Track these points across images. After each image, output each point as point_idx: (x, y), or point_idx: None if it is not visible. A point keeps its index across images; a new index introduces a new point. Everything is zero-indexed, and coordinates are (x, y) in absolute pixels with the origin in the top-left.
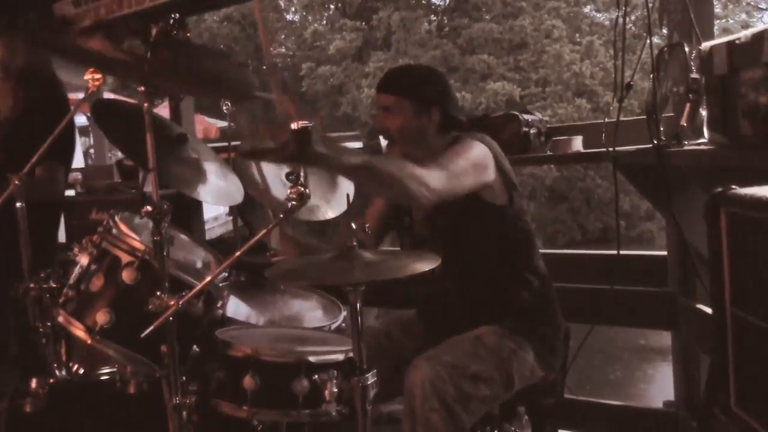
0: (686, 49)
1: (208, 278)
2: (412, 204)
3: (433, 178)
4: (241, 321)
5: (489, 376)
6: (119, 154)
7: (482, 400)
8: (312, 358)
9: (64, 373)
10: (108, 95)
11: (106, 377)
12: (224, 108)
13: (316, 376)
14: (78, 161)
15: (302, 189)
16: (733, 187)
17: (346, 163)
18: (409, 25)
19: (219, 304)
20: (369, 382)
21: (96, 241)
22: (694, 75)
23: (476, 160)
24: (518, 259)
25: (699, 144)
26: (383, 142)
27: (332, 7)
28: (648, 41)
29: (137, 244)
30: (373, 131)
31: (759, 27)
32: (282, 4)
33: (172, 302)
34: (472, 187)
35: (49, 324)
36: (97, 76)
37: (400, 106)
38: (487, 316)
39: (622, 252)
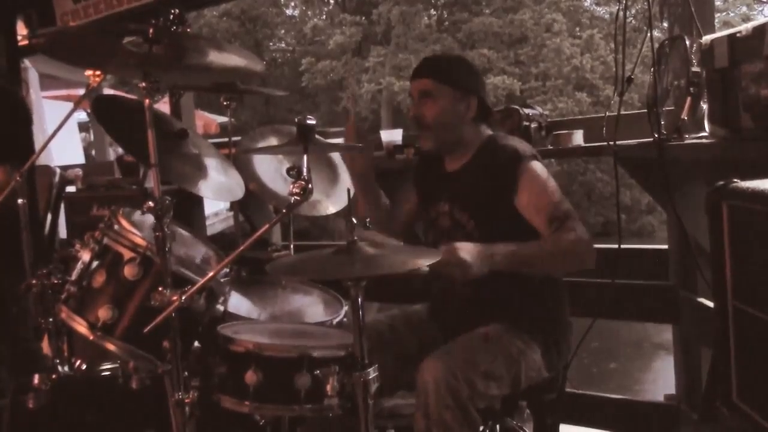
0: (687, 42)
1: (211, 273)
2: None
3: (580, 241)
4: (243, 316)
5: (499, 375)
6: (120, 150)
7: (490, 398)
8: (314, 353)
9: (66, 368)
10: (108, 91)
11: (109, 373)
12: (225, 103)
13: (318, 371)
14: (79, 157)
15: (305, 183)
16: (735, 180)
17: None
18: (409, 20)
19: (221, 300)
20: (370, 377)
21: (98, 237)
22: (695, 68)
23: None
24: None
25: (700, 137)
26: (384, 137)
27: (332, 1)
28: (648, 34)
29: (139, 241)
30: (410, 119)
31: (760, 20)
32: None
33: (175, 297)
34: None
35: (51, 320)
36: (98, 72)
37: (441, 91)
38: (499, 313)
39: (623, 246)
